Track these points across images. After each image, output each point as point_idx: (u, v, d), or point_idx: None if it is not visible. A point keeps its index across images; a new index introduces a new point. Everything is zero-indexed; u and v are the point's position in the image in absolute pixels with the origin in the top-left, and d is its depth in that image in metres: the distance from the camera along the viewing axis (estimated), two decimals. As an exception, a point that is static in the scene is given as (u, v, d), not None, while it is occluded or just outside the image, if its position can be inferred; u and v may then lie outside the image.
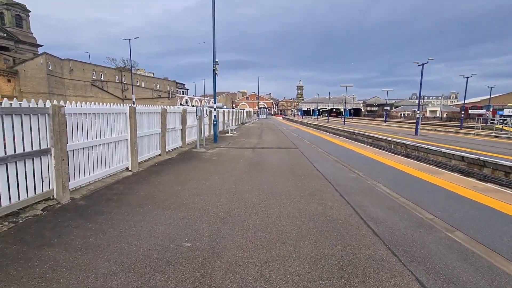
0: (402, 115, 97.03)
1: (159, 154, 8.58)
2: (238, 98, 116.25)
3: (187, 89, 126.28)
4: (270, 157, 9.45)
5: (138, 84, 55.53)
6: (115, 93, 48.51)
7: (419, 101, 21.13)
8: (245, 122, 32.68)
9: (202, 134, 11.82)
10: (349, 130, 27.07)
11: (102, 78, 46.02)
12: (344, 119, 39.46)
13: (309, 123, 45.03)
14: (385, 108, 51.76)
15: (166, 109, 8.62)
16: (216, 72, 12.73)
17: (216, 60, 12.62)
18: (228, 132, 17.65)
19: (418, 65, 20.79)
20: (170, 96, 66.72)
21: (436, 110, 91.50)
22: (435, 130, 30.18)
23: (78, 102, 5.08)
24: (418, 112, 21.32)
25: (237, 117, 29.93)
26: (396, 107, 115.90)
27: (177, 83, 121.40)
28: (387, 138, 18.57)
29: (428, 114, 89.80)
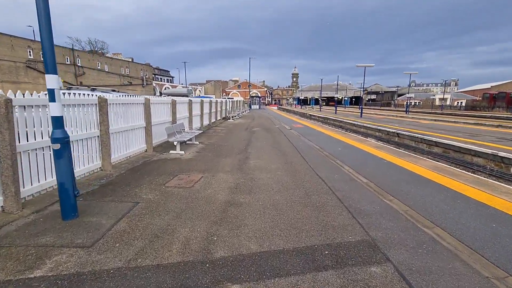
0: (409, 103, 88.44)
1: None
2: (230, 86, 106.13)
3: (172, 77, 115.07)
4: None
5: (99, 67, 44.81)
6: (65, 78, 37.82)
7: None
8: (229, 116, 23.11)
9: None
10: (380, 128, 17.90)
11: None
12: (361, 111, 30.20)
13: (313, 115, 35.72)
14: (408, 95, 42.50)
15: None
16: None
17: None
18: (177, 148, 8.13)
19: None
20: (145, 83, 55.99)
21: (446, 98, 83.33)
22: (499, 126, 21.23)
23: None
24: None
25: (218, 109, 20.40)
26: (400, 95, 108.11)
27: (159, 69, 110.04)
28: None
29: (437, 103, 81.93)
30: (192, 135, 9.40)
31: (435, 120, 27.90)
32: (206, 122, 16.19)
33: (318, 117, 33.10)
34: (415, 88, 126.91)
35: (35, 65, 33.99)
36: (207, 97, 24.06)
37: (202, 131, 12.44)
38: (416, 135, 14.26)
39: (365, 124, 20.59)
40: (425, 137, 13.36)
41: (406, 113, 38.37)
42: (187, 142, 9.80)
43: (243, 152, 8.62)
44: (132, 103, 7.06)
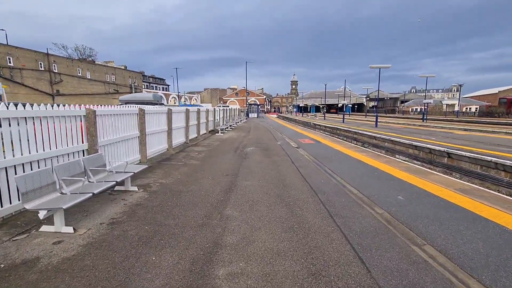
0: (415, 110, 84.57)
1: None
2: (228, 94, 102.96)
3: (168, 85, 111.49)
4: None
5: (80, 74, 40.58)
6: (37, 86, 33.40)
7: None
8: (218, 129, 18.62)
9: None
10: (417, 143, 13.37)
11: (11, 64, 30.97)
12: (377, 120, 25.71)
13: (318, 125, 31.30)
14: (425, 101, 38.00)
15: None
16: None
17: None
18: (55, 221, 3.55)
19: None
20: (134, 91, 51.73)
21: (454, 104, 79.31)
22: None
23: None
24: None
25: (202, 121, 15.93)
26: (403, 101, 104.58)
27: (154, 77, 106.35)
28: None
29: (444, 109, 78.14)
30: (124, 175, 4.83)
31: (464, 130, 23.45)
32: (180, 139, 11.62)
33: (325, 127, 28.66)
34: (417, 94, 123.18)
35: (1, 71, 29.71)
36: (197, 106, 19.73)
37: (152, 162, 7.85)
38: (486, 157, 9.72)
39: (391, 138, 16.08)
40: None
41: (423, 121, 33.97)
42: (116, 188, 5.24)
43: (215, 216, 4.04)
44: None
